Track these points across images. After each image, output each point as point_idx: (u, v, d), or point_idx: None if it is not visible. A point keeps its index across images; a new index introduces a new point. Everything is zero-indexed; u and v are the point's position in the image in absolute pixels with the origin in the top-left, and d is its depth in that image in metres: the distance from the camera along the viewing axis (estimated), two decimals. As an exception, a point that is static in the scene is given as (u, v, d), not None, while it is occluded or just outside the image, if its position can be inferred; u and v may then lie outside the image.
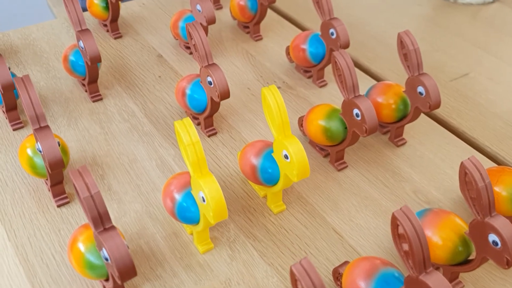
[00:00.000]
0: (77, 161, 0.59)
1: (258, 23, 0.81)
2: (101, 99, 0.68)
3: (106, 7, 0.78)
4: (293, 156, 0.47)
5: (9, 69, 0.57)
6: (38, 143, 0.47)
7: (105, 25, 0.82)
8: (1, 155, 0.60)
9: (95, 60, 0.61)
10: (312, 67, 0.72)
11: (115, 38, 0.81)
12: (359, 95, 0.54)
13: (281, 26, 0.86)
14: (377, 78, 0.76)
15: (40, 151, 0.47)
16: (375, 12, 0.91)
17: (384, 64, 0.78)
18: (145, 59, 0.77)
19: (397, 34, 0.58)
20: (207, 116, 0.62)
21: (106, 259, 0.39)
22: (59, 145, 0.49)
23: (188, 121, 0.44)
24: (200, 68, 0.58)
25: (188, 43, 0.76)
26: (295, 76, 0.74)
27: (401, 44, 0.58)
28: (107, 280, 0.44)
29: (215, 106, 0.60)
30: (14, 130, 0.63)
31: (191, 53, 0.78)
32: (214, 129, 0.64)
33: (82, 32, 0.61)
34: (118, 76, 0.73)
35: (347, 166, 0.60)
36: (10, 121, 0.63)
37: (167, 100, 0.69)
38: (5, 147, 0.61)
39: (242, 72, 0.75)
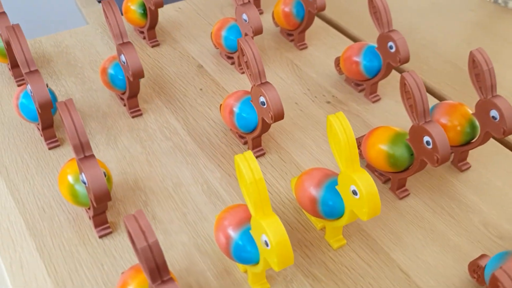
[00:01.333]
0: (119, 185, 0.55)
1: (303, 31, 0.76)
2: (141, 114, 0.64)
3: (144, 14, 0.74)
4: (364, 193, 0.42)
5: (47, 85, 0.54)
6: (83, 174, 0.43)
7: (142, 32, 0.78)
8: (38, 177, 0.56)
9: (138, 76, 0.57)
10: (365, 81, 0.67)
11: (153, 47, 0.76)
12: (430, 121, 0.49)
13: (326, 34, 0.81)
14: (433, 93, 0.70)
15: (84, 183, 0.43)
16: (425, 17, 0.86)
17: (440, 78, 0.72)
18: (185, 70, 0.72)
19: (469, 53, 0.52)
20: (255, 136, 0.58)
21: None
22: (105, 176, 0.45)
23: (250, 155, 0.40)
24: (252, 87, 0.54)
25: (230, 53, 0.72)
26: (345, 90, 0.69)
27: (473, 63, 0.52)
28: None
29: (266, 127, 0.56)
30: (50, 149, 0.59)
31: (232, 63, 0.73)
32: (262, 149, 0.60)
33: (124, 45, 0.57)
34: (158, 89, 0.69)
35: (409, 194, 0.55)
36: (46, 139, 0.59)
37: (210, 116, 0.65)
38: (41, 168, 0.57)
39: (288, 84, 0.70)
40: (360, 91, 0.69)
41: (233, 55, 0.72)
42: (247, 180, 0.39)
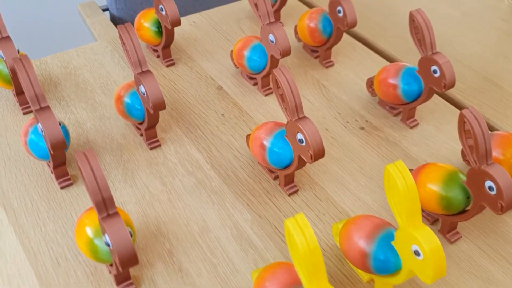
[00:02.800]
0: (140, 230, 0.50)
1: (330, 48, 0.70)
2: (159, 145, 0.59)
3: (158, 32, 0.68)
4: (429, 255, 0.37)
5: (60, 124, 0.48)
6: (107, 235, 0.37)
7: (155, 50, 0.72)
8: (50, 223, 0.50)
9: (159, 108, 0.52)
10: (403, 105, 0.61)
11: (168, 66, 0.71)
12: (493, 163, 0.44)
13: (353, 49, 0.75)
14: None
15: (108, 245, 0.38)
16: (455, 28, 0.80)
17: (481, 98, 0.67)
18: (204, 92, 0.67)
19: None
20: (289, 173, 0.52)
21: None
22: (131, 236, 0.39)
23: (302, 219, 0.34)
24: (288, 122, 0.48)
25: (253, 74, 0.66)
26: (379, 113, 0.64)
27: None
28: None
29: (302, 164, 0.50)
30: (62, 188, 0.54)
31: (255, 84, 0.68)
32: (295, 185, 0.54)
33: (144, 75, 0.51)
34: (176, 115, 0.63)
35: (460, 237, 0.50)
36: (57, 178, 0.53)
37: (235, 146, 0.59)
38: (53, 211, 0.52)
39: (316, 108, 0.65)
40: (396, 115, 0.64)
41: (256, 76, 0.66)
42: (300, 249, 0.33)
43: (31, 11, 1.36)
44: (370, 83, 0.66)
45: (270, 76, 0.67)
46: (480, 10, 0.85)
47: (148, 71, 0.52)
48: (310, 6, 0.85)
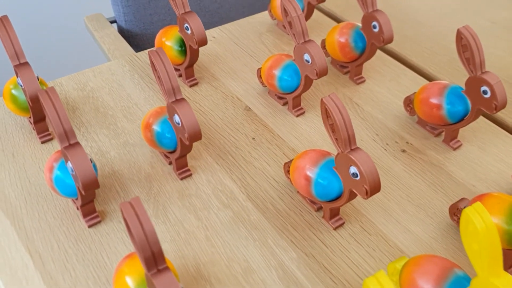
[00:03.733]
0: (180, 274, 0.46)
1: (362, 64, 0.67)
2: (190, 174, 0.55)
3: (182, 51, 0.64)
4: (517, 309, 0.33)
5: (91, 160, 0.44)
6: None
7: (177, 69, 0.68)
8: (79, 267, 0.46)
9: (195, 139, 0.48)
10: (446, 126, 0.58)
11: (191, 86, 0.67)
12: None
13: (383, 63, 0.72)
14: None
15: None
16: (488, 39, 0.77)
17: (523, 115, 0.64)
18: (231, 114, 0.63)
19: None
20: (336, 206, 0.48)
21: None
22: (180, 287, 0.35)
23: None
24: (339, 153, 0.45)
25: (283, 95, 0.62)
26: (419, 134, 0.61)
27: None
28: None
29: (352, 197, 0.47)
30: (90, 226, 0.49)
31: (285, 104, 0.64)
32: (340, 218, 0.51)
33: (178, 103, 0.47)
34: (205, 140, 0.59)
35: (523, 272, 0.47)
36: (84, 216, 0.49)
37: (270, 173, 0.56)
38: (82, 254, 0.47)
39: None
40: (437, 135, 0.60)
41: (287, 96, 0.62)
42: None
43: (38, 28, 1.32)
44: (408, 101, 0.62)
45: (302, 96, 0.63)
46: (510, 20, 0.82)
47: (183, 100, 0.48)
48: (336, 19, 0.81)
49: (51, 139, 0.58)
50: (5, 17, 0.51)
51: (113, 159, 0.57)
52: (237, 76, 0.69)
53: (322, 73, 0.56)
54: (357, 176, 0.43)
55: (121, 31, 1.04)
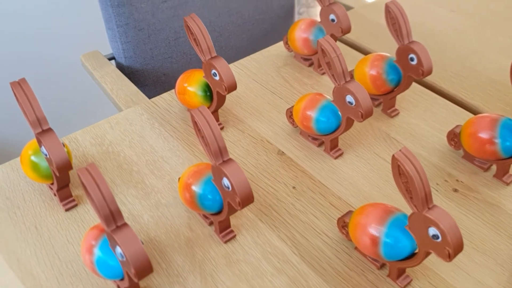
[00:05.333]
0: None
1: (395, 96, 0.63)
2: (234, 236, 0.50)
3: (206, 96, 0.59)
4: None
5: (142, 242, 0.39)
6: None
7: (199, 114, 0.64)
8: None
9: (247, 203, 0.43)
10: (497, 160, 0.55)
11: (217, 132, 0.62)
12: None
13: (413, 92, 0.68)
14: None
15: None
16: None
17: None
18: (265, 161, 0.59)
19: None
20: (404, 267, 0.44)
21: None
22: None
23: None
24: (413, 213, 0.41)
25: (317, 137, 0.58)
26: (467, 170, 0.57)
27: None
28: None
29: (426, 256, 0.43)
30: (135, 308, 0.45)
31: (320, 145, 0.60)
32: (408, 276, 0.46)
33: (226, 165, 0.43)
34: (243, 195, 0.55)
35: None
36: None
37: (320, 227, 0.51)
38: None
39: (395, 168, 0.58)
40: (486, 170, 0.57)
41: (323, 137, 0.58)
42: None
43: (31, 71, 1.25)
44: (452, 136, 0.59)
45: (339, 137, 0.59)
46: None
47: (231, 160, 0.43)
48: (361, 51, 0.78)
49: (75, 205, 0.53)
50: (23, 80, 0.46)
51: (148, 224, 0.52)
52: (263, 116, 0.65)
53: (368, 114, 0.52)
54: (438, 238, 0.39)
55: (121, 67, 0.99)
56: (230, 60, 1.03)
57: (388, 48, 0.78)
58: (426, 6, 0.88)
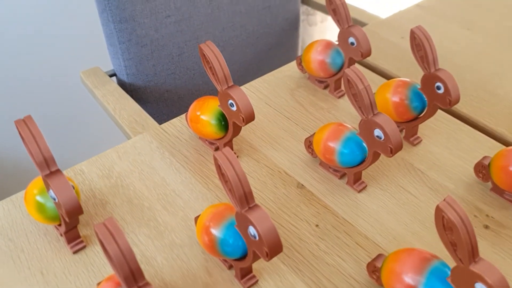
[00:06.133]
0: None
1: (418, 124, 0.60)
2: (257, 281, 0.47)
3: (221, 125, 0.56)
4: None
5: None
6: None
7: (212, 143, 0.60)
8: None
9: (276, 253, 0.40)
10: (531, 196, 0.52)
11: (232, 163, 0.59)
12: None
13: (435, 118, 0.65)
14: None
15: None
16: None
17: None
18: (284, 195, 0.55)
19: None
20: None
21: None
22: None
23: None
24: (457, 266, 0.38)
25: (339, 169, 0.55)
26: (497, 204, 0.54)
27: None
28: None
29: (467, 310, 0.40)
30: None
31: (342, 177, 0.57)
32: (444, 325, 0.44)
33: (252, 212, 0.39)
34: (263, 234, 0.51)
35: None
36: None
37: (347, 271, 0.48)
38: None
39: (422, 202, 0.54)
40: (518, 204, 0.54)
41: (345, 170, 0.55)
42: None
43: (29, 91, 1.21)
44: (480, 168, 0.56)
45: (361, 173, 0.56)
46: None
47: (257, 207, 0.40)
48: (377, 71, 0.75)
49: (84, 247, 0.49)
50: (29, 117, 0.43)
51: (162, 267, 0.48)
52: (278, 144, 0.62)
53: (397, 150, 0.49)
54: (486, 293, 0.36)
55: (122, 85, 0.95)
56: (234, 75, 1.00)
57: (404, 69, 0.75)
58: (440, 24, 0.86)
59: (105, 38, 0.91)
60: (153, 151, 0.60)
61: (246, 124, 0.53)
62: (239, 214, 0.41)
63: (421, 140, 0.62)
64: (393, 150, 0.49)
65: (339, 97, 0.68)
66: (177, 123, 0.64)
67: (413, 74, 0.73)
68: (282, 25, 1.09)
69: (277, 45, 1.11)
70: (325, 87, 0.70)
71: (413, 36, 0.55)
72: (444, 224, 0.37)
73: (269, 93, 0.70)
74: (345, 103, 0.68)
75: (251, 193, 0.40)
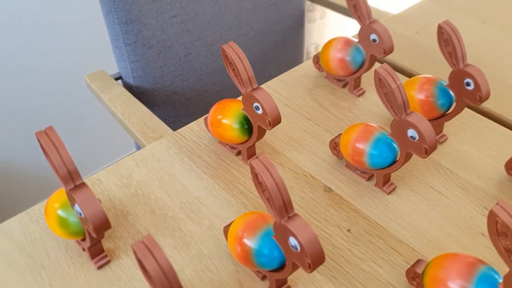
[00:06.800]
0: None
1: (444, 122, 0.58)
2: (292, 292, 0.45)
3: (244, 129, 0.54)
4: None
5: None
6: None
7: (233, 148, 0.58)
8: None
9: (318, 265, 0.38)
10: None
11: (255, 168, 0.57)
12: None
13: (459, 115, 0.63)
14: None
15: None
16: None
17: None
18: (311, 199, 0.53)
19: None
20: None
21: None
22: None
23: None
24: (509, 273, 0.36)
25: (367, 170, 0.53)
26: (532, 202, 0.53)
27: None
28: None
29: (519, 317, 0.38)
30: None
31: (369, 179, 0.55)
32: (490, 333, 0.42)
33: (293, 222, 0.37)
34: (294, 241, 0.49)
35: None
36: None
37: (385, 278, 0.46)
38: None
39: (454, 203, 0.53)
40: (553, 202, 0.53)
41: (374, 171, 0.53)
42: None
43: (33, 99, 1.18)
44: (511, 166, 0.54)
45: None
46: None
47: (296, 216, 0.38)
48: (403, 72, 0.73)
49: (108, 261, 0.47)
50: (50, 128, 0.40)
51: (191, 280, 0.46)
52: (301, 146, 0.60)
53: (432, 150, 0.47)
54: (545, 303, 0.35)
55: (129, 87, 0.93)
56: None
57: (420, 64, 0.73)
58: (454, 17, 0.84)
59: (110, 41, 0.88)
60: (172, 157, 0.58)
61: (272, 127, 0.51)
62: (278, 224, 0.39)
63: (446, 138, 0.60)
64: (428, 151, 0.47)
65: (359, 95, 0.66)
66: (195, 127, 0.62)
67: (432, 70, 0.71)
68: (288, 22, 1.07)
69: (283, 42, 1.09)
70: (344, 86, 0.68)
71: (440, 31, 0.53)
72: (497, 229, 0.35)
73: (287, 94, 0.68)
74: (365, 101, 0.66)
75: (290, 202, 0.38)
